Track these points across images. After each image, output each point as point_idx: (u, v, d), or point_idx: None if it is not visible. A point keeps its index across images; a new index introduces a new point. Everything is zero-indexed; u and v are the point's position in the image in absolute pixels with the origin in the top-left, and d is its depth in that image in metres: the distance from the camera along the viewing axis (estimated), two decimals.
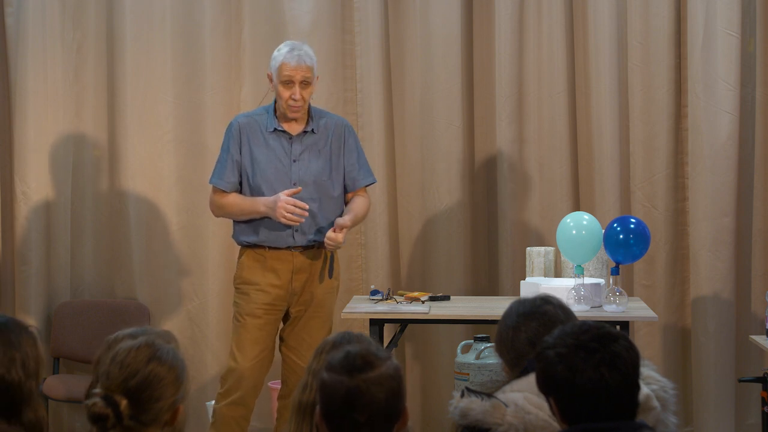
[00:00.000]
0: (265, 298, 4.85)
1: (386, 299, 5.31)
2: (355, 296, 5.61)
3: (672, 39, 5.85)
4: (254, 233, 4.86)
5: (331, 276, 4.94)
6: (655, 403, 3.01)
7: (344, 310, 5.10)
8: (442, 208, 5.96)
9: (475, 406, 2.94)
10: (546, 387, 2.53)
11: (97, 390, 2.58)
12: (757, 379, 4.84)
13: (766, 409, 4.71)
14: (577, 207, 5.88)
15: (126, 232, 5.96)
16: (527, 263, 5.42)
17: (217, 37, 5.93)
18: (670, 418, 3.07)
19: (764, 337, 4.94)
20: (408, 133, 6.02)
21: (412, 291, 5.53)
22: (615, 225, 5.06)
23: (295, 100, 4.79)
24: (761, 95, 5.81)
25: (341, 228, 4.79)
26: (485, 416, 2.92)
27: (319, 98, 5.95)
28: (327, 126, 4.93)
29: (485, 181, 6.00)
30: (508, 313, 3.19)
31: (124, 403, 2.54)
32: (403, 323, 5.19)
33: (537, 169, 5.95)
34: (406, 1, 5.98)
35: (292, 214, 4.71)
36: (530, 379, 2.64)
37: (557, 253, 5.39)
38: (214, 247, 5.93)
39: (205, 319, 5.97)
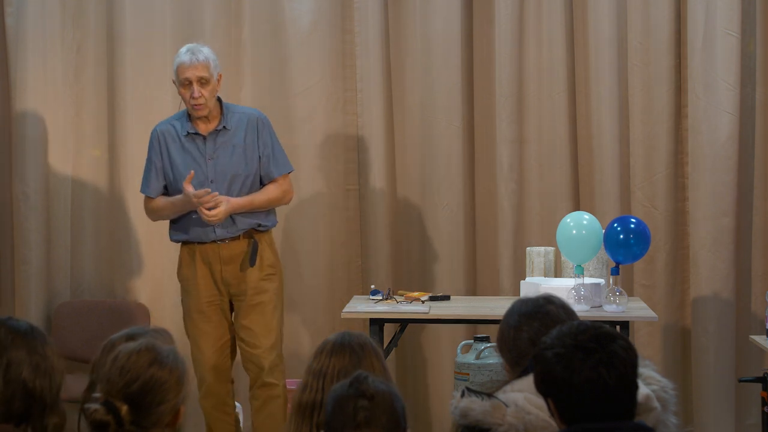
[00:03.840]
0: (203, 291, 5.04)
1: (386, 299, 5.31)
2: (355, 296, 5.61)
3: (672, 39, 5.85)
4: (183, 232, 5.06)
5: (252, 265, 5.01)
6: (656, 404, 3.01)
7: (344, 310, 5.11)
8: (442, 208, 5.96)
9: (476, 406, 2.94)
10: (544, 388, 2.53)
11: (98, 395, 2.57)
12: (757, 379, 4.84)
13: (766, 409, 4.71)
14: (577, 207, 5.88)
15: (126, 233, 5.96)
16: (527, 263, 5.42)
17: (217, 37, 5.93)
18: (671, 419, 3.07)
19: (764, 337, 4.94)
20: (408, 133, 6.02)
21: (412, 291, 5.53)
22: (615, 225, 5.06)
23: (195, 98, 4.94)
24: (761, 95, 5.81)
25: (218, 202, 4.88)
26: (485, 416, 2.92)
27: (319, 98, 5.97)
28: (240, 120, 5.05)
29: (485, 181, 6.00)
30: (510, 313, 3.19)
31: (124, 409, 2.53)
32: (403, 323, 5.20)
33: (537, 169, 5.95)
34: (406, 1, 5.98)
35: (207, 203, 4.85)
36: (531, 379, 2.64)
37: (557, 253, 5.38)
38: None
39: None
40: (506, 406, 2.93)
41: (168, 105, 5.94)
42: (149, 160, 5.10)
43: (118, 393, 2.54)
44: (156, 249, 5.97)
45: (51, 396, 2.63)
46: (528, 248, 5.48)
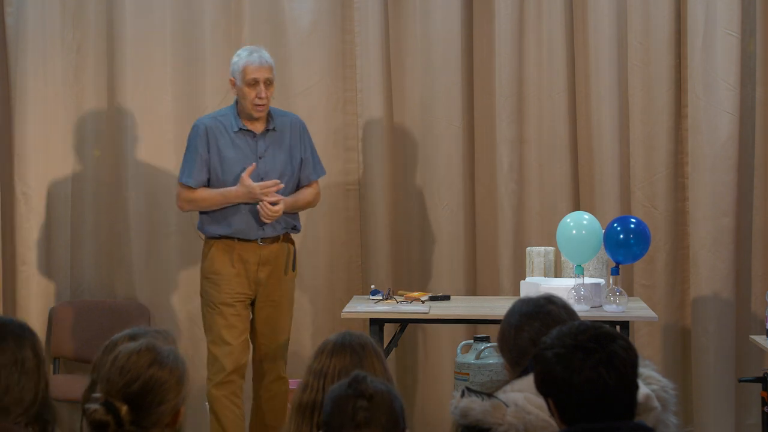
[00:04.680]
0: (235, 287, 5.09)
1: (386, 299, 5.31)
2: (355, 296, 5.61)
3: (672, 39, 5.84)
4: (227, 225, 5.09)
5: (294, 269, 5.21)
6: (656, 404, 3.01)
7: (344, 310, 5.11)
8: (442, 208, 5.96)
9: (476, 405, 2.94)
10: (544, 388, 2.53)
11: (98, 395, 2.57)
12: (757, 379, 4.84)
13: (766, 409, 4.71)
14: (577, 207, 5.88)
15: (126, 232, 5.96)
16: (527, 263, 5.42)
17: (217, 37, 5.93)
18: (671, 419, 3.07)
19: (764, 337, 4.94)
20: (408, 133, 6.02)
21: (412, 291, 5.53)
22: (615, 225, 5.06)
23: (261, 98, 5.04)
24: (761, 95, 5.81)
25: (278, 198, 5.05)
26: (485, 416, 2.92)
27: (319, 98, 5.96)
28: (285, 123, 5.19)
29: (485, 181, 6.00)
30: (511, 312, 3.19)
31: (124, 409, 2.52)
32: (403, 323, 5.20)
33: (537, 169, 5.95)
34: (406, 1, 5.98)
35: (269, 195, 5.00)
36: (531, 379, 2.64)
37: (557, 253, 5.38)
38: None
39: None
40: (506, 405, 2.93)
41: (168, 105, 5.95)
42: (194, 151, 5.11)
43: (118, 393, 2.54)
44: (156, 249, 5.97)
45: (45, 391, 2.64)
46: (528, 248, 5.48)
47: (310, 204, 5.29)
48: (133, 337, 2.82)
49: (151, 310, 5.90)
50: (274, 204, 5.01)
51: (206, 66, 5.94)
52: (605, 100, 5.81)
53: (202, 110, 5.94)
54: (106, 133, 5.99)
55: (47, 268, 5.93)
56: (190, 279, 5.97)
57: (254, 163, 5.04)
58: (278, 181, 5.04)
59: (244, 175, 5.00)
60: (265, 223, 5.06)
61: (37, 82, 5.89)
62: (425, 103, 5.97)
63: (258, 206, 5.01)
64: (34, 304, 5.89)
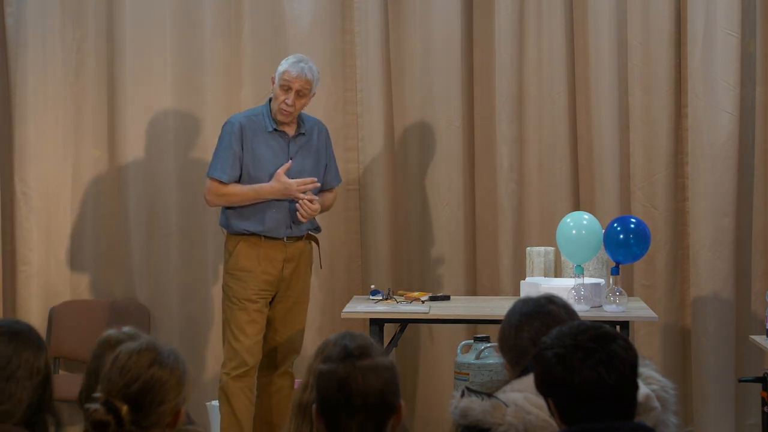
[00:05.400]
0: (260, 285, 5.14)
1: (386, 299, 5.32)
2: (355, 296, 5.62)
3: (672, 39, 5.85)
4: (258, 222, 5.13)
5: (321, 267, 5.40)
6: (656, 404, 3.01)
7: (344, 310, 5.11)
8: (442, 208, 5.96)
9: (476, 405, 2.94)
10: (544, 388, 2.53)
11: (98, 395, 2.57)
12: (757, 379, 4.84)
13: (766, 409, 4.71)
14: (577, 207, 5.88)
15: (126, 232, 5.96)
16: (527, 263, 5.42)
17: (217, 37, 5.93)
18: (671, 419, 3.07)
19: (764, 337, 4.94)
20: (408, 133, 6.02)
21: (412, 291, 5.53)
22: (615, 225, 5.06)
23: (287, 104, 5.08)
24: (761, 95, 5.81)
25: (316, 201, 5.15)
26: (485, 416, 2.92)
27: (319, 98, 5.95)
28: (313, 129, 5.26)
29: (485, 181, 6.00)
30: (511, 312, 3.19)
31: (125, 409, 2.53)
32: (403, 323, 5.20)
33: (537, 169, 5.95)
34: (406, 1, 5.98)
35: (306, 191, 5.09)
36: (531, 379, 2.64)
37: (557, 253, 5.38)
38: (213, 248, 5.92)
39: (205, 319, 5.97)
40: (506, 405, 2.93)
41: (168, 104, 5.95)
42: (228, 147, 5.13)
43: (119, 393, 2.54)
44: (156, 249, 5.97)
45: (49, 392, 2.65)
46: (528, 248, 5.48)
47: (330, 207, 5.39)
48: (134, 338, 2.82)
49: (151, 310, 5.90)
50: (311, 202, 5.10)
51: (206, 66, 5.94)
52: (605, 100, 5.81)
53: (201, 110, 5.95)
54: (106, 133, 5.99)
55: (47, 268, 5.93)
56: (190, 279, 5.97)
57: (290, 161, 5.11)
58: (315, 179, 5.12)
59: (280, 171, 5.07)
60: (293, 222, 5.12)
61: (37, 82, 5.89)
62: (425, 103, 5.97)
63: (297, 204, 5.07)
64: (34, 304, 5.89)
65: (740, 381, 5.15)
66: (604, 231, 5.07)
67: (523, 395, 2.95)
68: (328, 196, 5.32)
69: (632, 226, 5.04)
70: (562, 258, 5.34)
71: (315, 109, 5.94)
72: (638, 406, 2.58)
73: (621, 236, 5.01)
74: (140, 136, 5.94)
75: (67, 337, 5.82)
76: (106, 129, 5.99)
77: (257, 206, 5.11)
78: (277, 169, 5.09)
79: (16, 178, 5.90)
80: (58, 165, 5.94)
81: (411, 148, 6.02)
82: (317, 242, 5.30)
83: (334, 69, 5.99)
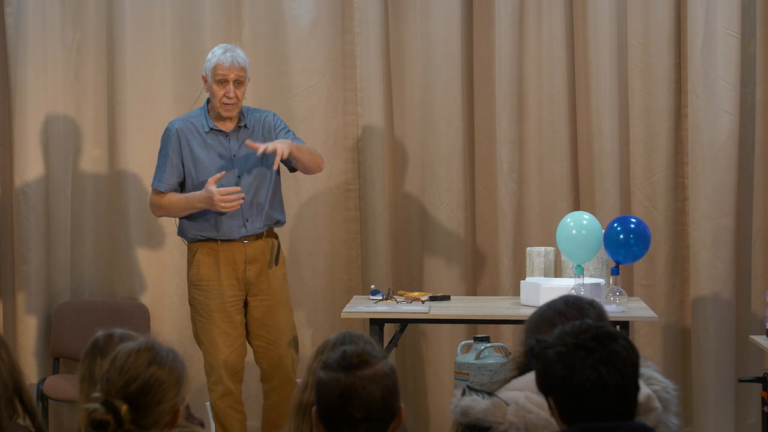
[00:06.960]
0: (225, 292, 5.03)
1: (386, 299, 5.31)
2: (355, 296, 5.62)
3: (672, 39, 5.85)
4: (212, 227, 5.02)
5: (276, 264, 5.10)
6: (657, 404, 3.01)
7: (344, 310, 5.11)
8: (442, 208, 5.96)
9: (476, 404, 2.94)
10: (545, 386, 2.53)
11: (97, 395, 2.57)
12: (757, 379, 4.84)
13: (766, 409, 4.71)
14: (577, 207, 5.88)
15: (126, 232, 5.96)
16: (527, 263, 5.42)
17: (217, 37, 5.93)
18: (672, 419, 3.07)
19: (764, 337, 4.94)
20: (408, 133, 6.02)
21: (412, 291, 5.53)
22: (615, 225, 5.06)
23: (228, 98, 5.01)
24: (761, 95, 5.81)
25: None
26: (486, 415, 2.91)
27: (319, 98, 5.97)
28: (257, 120, 5.14)
29: (485, 181, 6.00)
30: (552, 303, 3.14)
31: (124, 408, 2.53)
32: (403, 323, 5.20)
33: (537, 169, 5.95)
34: (406, 1, 5.98)
35: (229, 202, 4.90)
36: (531, 378, 2.64)
37: (557, 253, 5.38)
38: None
39: None
40: (507, 404, 2.93)
41: (168, 104, 5.95)
42: (164, 156, 5.06)
43: (118, 392, 2.55)
44: (156, 249, 5.97)
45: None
46: (528, 248, 5.48)
47: (315, 155, 5.14)
48: (132, 338, 2.82)
49: (151, 310, 5.89)
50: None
51: None
52: (605, 100, 5.81)
53: None
54: (106, 133, 5.99)
55: (47, 268, 5.93)
56: None
57: (224, 171, 4.94)
58: (240, 188, 4.93)
59: (211, 180, 4.90)
60: (247, 221, 5.02)
61: (37, 82, 5.89)
62: (425, 103, 5.97)
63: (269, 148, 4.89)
64: (34, 304, 5.89)
65: (740, 381, 5.15)
66: (604, 231, 5.07)
67: (524, 394, 2.94)
68: (302, 147, 5.05)
69: (632, 226, 5.04)
70: (562, 258, 5.34)
71: (315, 109, 5.96)
72: (639, 407, 2.57)
73: (621, 236, 5.01)
74: (140, 136, 5.94)
75: (67, 337, 5.81)
76: (106, 129, 5.99)
77: (209, 211, 4.98)
78: (222, 169, 4.96)
79: (16, 177, 5.90)
80: (58, 165, 5.94)
81: (411, 148, 6.02)
82: (277, 237, 5.15)
83: (334, 69, 5.99)
